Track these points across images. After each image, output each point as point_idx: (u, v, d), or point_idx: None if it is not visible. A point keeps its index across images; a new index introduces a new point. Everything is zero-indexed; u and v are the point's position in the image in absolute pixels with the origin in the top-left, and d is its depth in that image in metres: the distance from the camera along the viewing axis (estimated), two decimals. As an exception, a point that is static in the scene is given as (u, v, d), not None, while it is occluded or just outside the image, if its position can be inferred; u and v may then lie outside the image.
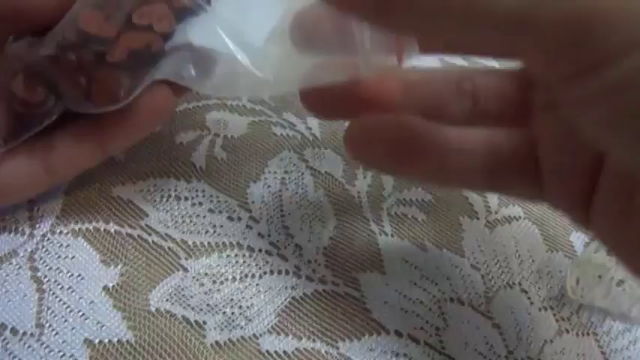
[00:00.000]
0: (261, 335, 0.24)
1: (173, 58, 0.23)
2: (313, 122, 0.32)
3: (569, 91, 0.17)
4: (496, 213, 0.32)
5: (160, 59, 0.23)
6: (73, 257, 0.24)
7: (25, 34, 0.25)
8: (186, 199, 0.27)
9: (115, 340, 0.22)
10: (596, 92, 0.16)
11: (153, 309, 0.23)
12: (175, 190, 0.27)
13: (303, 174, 0.30)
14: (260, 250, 0.26)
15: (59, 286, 0.23)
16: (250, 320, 0.24)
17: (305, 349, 0.24)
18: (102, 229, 0.25)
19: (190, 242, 0.26)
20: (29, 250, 0.24)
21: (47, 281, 0.23)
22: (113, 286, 0.23)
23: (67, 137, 0.24)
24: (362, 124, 0.24)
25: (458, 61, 0.38)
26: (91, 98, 0.23)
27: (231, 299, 0.24)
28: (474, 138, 0.23)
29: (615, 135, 0.17)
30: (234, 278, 0.25)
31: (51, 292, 0.23)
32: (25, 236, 0.24)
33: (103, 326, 0.22)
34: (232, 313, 0.24)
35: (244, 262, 0.26)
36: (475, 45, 0.20)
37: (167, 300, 0.24)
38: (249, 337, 0.23)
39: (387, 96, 0.23)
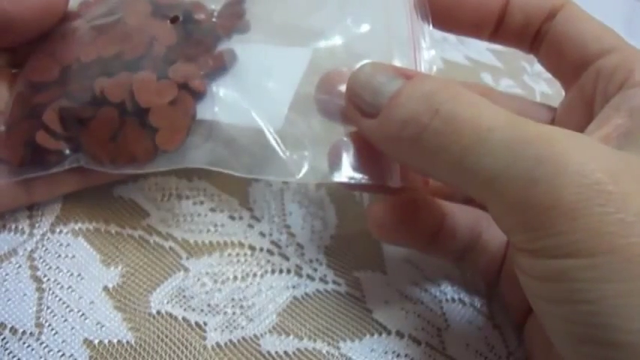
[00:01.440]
0: (262, 335, 0.24)
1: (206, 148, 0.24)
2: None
3: (517, 257, 0.18)
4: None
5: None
6: (73, 257, 0.24)
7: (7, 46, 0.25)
8: (187, 197, 0.27)
9: (115, 340, 0.22)
10: (538, 271, 0.17)
11: (154, 311, 0.23)
12: (177, 189, 0.27)
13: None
14: (261, 249, 0.26)
15: (59, 286, 0.23)
16: (251, 320, 0.24)
17: (306, 349, 0.24)
18: (102, 229, 0.25)
19: (192, 241, 0.25)
20: (29, 249, 0.24)
21: (47, 280, 0.23)
22: (113, 287, 0.23)
23: None
24: (389, 207, 0.24)
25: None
26: (117, 158, 0.23)
27: (232, 299, 0.24)
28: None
29: (544, 313, 0.18)
30: (235, 277, 0.25)
31: (50, 292, 0.23)
32: (25, 235, 0.24)
33: (102, 327, 0.22)
34: (233, 313, 0.24)
35: (245, 260, 0.26)
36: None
37: (168, 302, 0.23)
38: (250, 338, 0.23)
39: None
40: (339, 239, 0.27)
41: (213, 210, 0.27)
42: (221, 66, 0.24)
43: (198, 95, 0.23)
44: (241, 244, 0.26)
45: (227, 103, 0.24)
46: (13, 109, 0.24)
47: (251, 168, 0.23)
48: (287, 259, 0.26)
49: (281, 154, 0.23)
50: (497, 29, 0.25)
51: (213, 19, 0.26)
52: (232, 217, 0.27)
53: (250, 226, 0.27)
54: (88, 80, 0.23)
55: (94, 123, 0.23)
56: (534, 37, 0.25)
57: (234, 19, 0.26)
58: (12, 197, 0.24)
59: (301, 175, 0.23)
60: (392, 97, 0.19)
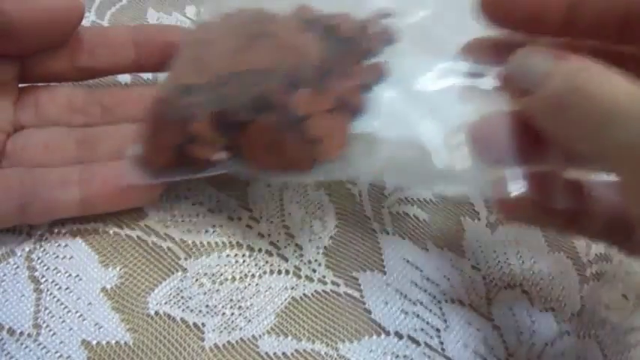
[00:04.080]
0: (260, 336, 0.24)
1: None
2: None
3: None
4: (497, 213, 0.32)
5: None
6: (71, 257, 0.24)
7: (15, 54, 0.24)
8: (186, 198, 0.27)
9: (113, 341, 0.22)
10: None
11: (152, 312, 0.23)
12: (175, 190, 0.27)
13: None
14: (260, 250, 0.26)
15: (57, 287, 0.23)
16: (250, 321, 0.24)
17: (304, 350, 0.24)
18: (100, 229, 0.25)
19: (190, 242, 0.25)
20: (27, 249, 0.24)
21: (45, 281, 0.23)
22: (111, 288, 0.23)
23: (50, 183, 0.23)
24: None
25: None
26: (277, 166, 0.23)
27: (231, 299, 0.24)
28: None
29: None
30: (233, 278, 0.25)
31: (48, 293, 0.23)
32: (23, 235, 0.24)
33: (100, 328, 0.22)
34: (232, 314, 0.24)
35: (244, 261, 0.25)
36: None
37: (166, 303, 0.23)
38: (249, 339, 0.23)
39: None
40: (338, 240, 0.27)
41: (211, 210, 0.27)
42: (377, 79, 0.24)
43: (356, 110, 0.23)
44: (240, 245, 0.26)
45: (387, 117, 0.23)
46: (156, 111, 0.24)
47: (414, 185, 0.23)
48: (286, 259, 0.26)
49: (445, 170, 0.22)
50: (567, 21, 0.22)
51: (364, 31, 0.25)
52: (231, 218, 0.27)
53: (249, 226, 0.27)
54: (244, 88, 0.23)
55: (251, 129, 0.23)
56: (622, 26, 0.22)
57: (385, 31, 0.26)
58: (4, 217, 0.23)
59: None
60: (545, 74, 0.19)
